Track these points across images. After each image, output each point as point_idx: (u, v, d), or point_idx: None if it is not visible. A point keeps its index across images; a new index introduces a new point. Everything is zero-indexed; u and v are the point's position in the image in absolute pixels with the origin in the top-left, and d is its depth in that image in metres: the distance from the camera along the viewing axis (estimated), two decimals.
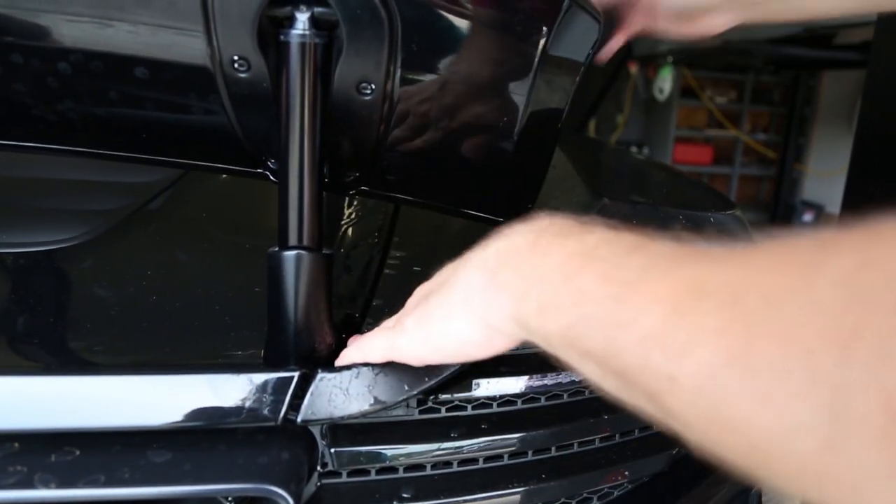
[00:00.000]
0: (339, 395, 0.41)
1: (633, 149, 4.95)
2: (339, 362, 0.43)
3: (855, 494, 0.20)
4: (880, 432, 0.19)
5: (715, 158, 5.51)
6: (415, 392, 0.43)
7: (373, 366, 0.42)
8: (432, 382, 0.43)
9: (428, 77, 0.44)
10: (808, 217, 5.29)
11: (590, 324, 0.29)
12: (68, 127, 0.47)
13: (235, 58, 0.41)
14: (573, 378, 0.51)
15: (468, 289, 0.38)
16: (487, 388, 0.49)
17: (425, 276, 0.47)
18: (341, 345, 0.44)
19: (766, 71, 5.36)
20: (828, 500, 0.21)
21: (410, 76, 0.43)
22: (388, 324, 0.44)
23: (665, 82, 5.24)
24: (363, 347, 0.43)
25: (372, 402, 0.42)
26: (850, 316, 0.20)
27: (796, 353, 0.21)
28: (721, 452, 0.25)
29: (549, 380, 0.50)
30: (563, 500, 0.51)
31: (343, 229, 0.65)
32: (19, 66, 0.42)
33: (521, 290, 0.34)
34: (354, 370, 0.42)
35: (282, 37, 0.39)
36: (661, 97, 5.31)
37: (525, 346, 0.37)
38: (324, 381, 0.41)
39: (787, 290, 0.22)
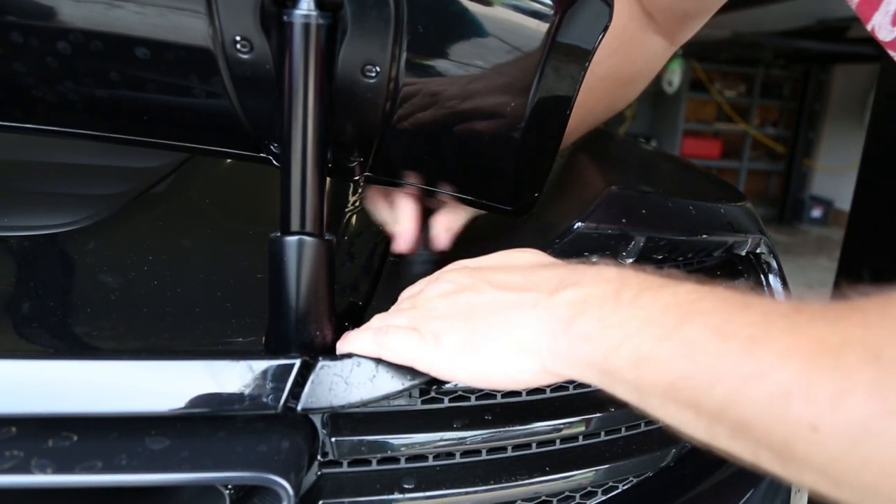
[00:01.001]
0: (340, 383, 0.40)
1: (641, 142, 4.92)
2: (346, 346, 0.42)
3: None
4: None
5: (723, 152, 5.48)
6: (417, 382, 0.42)
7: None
8: None
9: (434, 60, 0.43)
10: (816, 213, 5.26)
11: (706, 377, 0.30)
12: (69, 109, 0.46)
13: (237, 38, 0.40)
14: None
15: (533, 333, 0.37)
16: None
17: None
18: (343, 332, 0.44)
19: (776, 64, 5.31)
20: None
21: (416, 59, 0.42)
22: (396, 320, 0.43)
23: (674, 75, 5.20)
24: (383, 344, 0.41)
25: (373, 391, 0.41)
26: None
27: None
28: (861, 496, 0.27)
29: None
30: (566, 492, 0.51)
31: (347, 216, 0.64)
32: (18, 46, 0.41)
33: (609, 341, 0.34)
34: (356, 359, 0.41)
35: (285, 17, 0.39)
36: (669, 90, 5.27)
37: None
38: (325, 370, 0.41)
39: None
